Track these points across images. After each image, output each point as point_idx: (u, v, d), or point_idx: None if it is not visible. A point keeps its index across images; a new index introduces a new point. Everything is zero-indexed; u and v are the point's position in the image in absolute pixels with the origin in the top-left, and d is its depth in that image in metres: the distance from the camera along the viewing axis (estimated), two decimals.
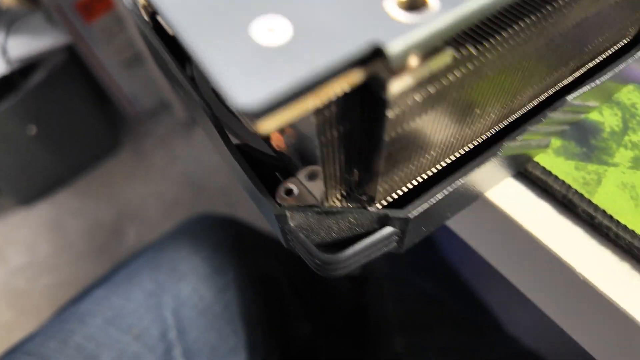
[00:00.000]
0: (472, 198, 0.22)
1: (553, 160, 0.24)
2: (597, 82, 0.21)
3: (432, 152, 0.18)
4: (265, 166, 0.21)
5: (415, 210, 0.18)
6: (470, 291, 0.56)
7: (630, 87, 0.27)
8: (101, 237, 1.10)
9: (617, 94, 0.27)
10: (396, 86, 0.12)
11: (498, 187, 0.24)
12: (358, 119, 0.15)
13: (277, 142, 0.18)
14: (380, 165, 0.16)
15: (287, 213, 0.18)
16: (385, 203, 0.19)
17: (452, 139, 0.18)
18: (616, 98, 0.27)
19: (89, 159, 1.17)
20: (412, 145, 0.16)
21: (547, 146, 0.24)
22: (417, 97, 0.14)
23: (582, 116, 0.25)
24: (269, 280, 0.50)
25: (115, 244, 1.08)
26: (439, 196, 0.18)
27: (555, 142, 0.25)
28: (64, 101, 1.04)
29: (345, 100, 0.14)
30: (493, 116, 0.19)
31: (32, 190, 1.13)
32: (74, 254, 1.08)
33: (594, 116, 0.26)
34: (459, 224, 0.27)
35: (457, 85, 0.15)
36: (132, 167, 1.19)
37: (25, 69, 0.97)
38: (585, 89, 0.21)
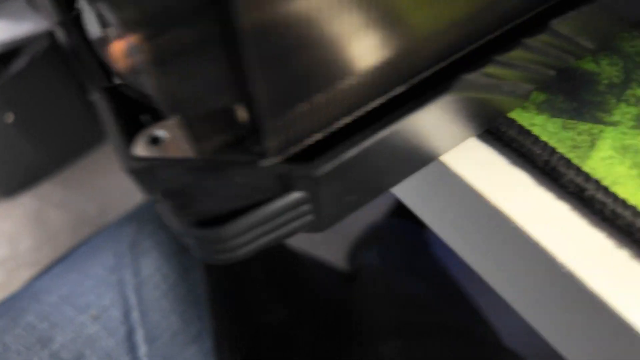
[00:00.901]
0: (420, 159, 0.17)
1: (534, 117, 0.19)
2: (589, 5, 0.16)
3: (349, 77, 0.12)
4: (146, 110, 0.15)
5: (326, 165, 0.13)
6: (467, 299, 0.53)
7: (635, 33, 0.22)
8: (84, 230, 1.07)
9: (618, 43, 0.21)
10: None
11: (459, 148, 0.18)
12: None
13: (120, 57, 0.13)
14: (253, 82, 0.11)
15: (147, 169, 0.13)
16: (286, 156, 0.13)
17: (378, 62, 0.13)
18: (617, 45, 0.21)
19: (73, 150, 1.15)
20: (304, 52, 0.11)
21: (525, 97, 0.18)
22: None
23: (573, 60, 0.19)
24: (242, 263, 0.46)
25: None
26: (362, 147, 0.13)
27: (539, 96, 0.19)
28: (46, 89, 1.01)
29: None
30: (442, 34, 0.14)
31: (13, 182, 1.11)
32: (56, 246, 1.05)
33: (587, 65, 0.21)
34: (410, 196, 0.22)
35: None
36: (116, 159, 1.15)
37: (5, 55, 0.94)
38: (574, 12, 0.15)
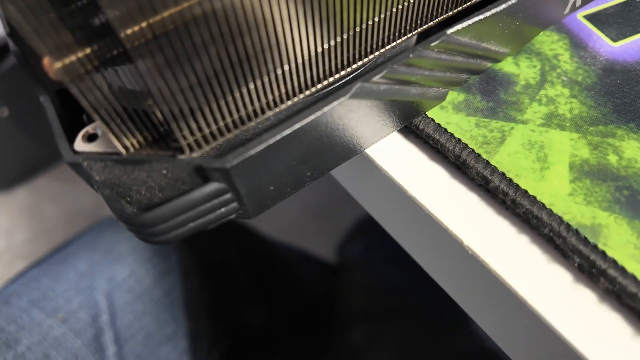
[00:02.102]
0: (340, 154, 0.18)
1: (451, 117, 0.21)
2: (485, 15, 0.17)
3: (247, 83, 0.14)
4: None
5: (236, 158, 0.15)
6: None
7: (555, 36, 0.23)
8: (79, 224, 1.08)
9: (539, 45, 0.23)
10: None
11: (383, 143, 0.20)
12: None
13: (50, 70, 0.15)
14: (155, 93, 0.12)
15: (83, 162, 0.15)
16: (204, 151, 0.15)
17: (276, 66, 0.15)
18: (537, 48, 0.23)
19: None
20: (197, 60, 0.13)
21: (441, 98, 0.20)
22: None
23: (488, 64, 0.21)
24: (221, 264, 0.47)
25: None
26: (269, 142, 0.15)
27: (458, 97, 0.21)
28: None
29: None
30: (339, 38, 0.15)
31: (9, 175, 1.12)
32: (52, 240, 1.06)
33: (508, 68, 0.22)
34: (348, 183, 0.24)
35: None
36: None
37: None
38: (470, 21, 0.17)
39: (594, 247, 0.17)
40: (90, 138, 0.16)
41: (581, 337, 0.16)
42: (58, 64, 0.13)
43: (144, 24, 0.11)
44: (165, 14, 0.11)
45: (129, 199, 0.16)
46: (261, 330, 0.48)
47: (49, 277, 0.42)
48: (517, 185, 0.19)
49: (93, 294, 0.42)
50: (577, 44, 0.23)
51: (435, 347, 0.45)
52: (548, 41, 0.23)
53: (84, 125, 0.17)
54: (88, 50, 0.13)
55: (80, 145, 0.15)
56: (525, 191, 0.19)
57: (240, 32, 0.12)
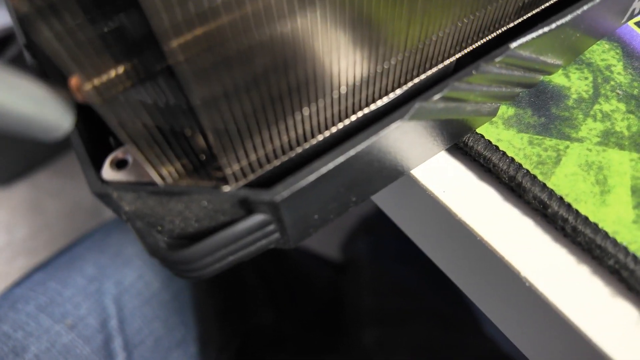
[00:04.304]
0: (387, 176, 0.17)
1: (501, 133, 0.19)
2: (551, 26, 0.16)
3: (298, 110, 0.13)
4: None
5: (286, 190, 0.13)
6: (454, 287, 0.53)
7: (606, 45, 0.22)
8: (80, 219, 1.07)
9: (590, 54, 0.22)
10: None
11: (429, 163, 0.19)
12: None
13: (77, 91, 0.13)
14: (207, 123, 0.11)
15: (113, 193, 0.13)
16: (248, 181, 0.14)
17: (327, 93, 0.13)
18: (587, 59, 0.21)
19: (69, 139, 1.14)
20: (249, 91, 0.11)
21: (493, 114, 0.19)
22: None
23: (541, 77, 0.20)
24: (233, 267, 0.46)
25: (93, 226, 1.05)
26: (320, 173, 0.13)
27: (507, 111, 0.20)
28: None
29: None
30: (395, 61, 0.14)
31: (10, 170, 1.11)
32: (52, 235, 1.06)
33: (558, 79, 0.21)
34: (387, 204, 0.22)
35: None
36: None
37: None
38: (534, 34, 0.16)
39: None
40: (120, 164, 0.14)
41: None
42: (88, 85, 0.11)
43: (196, 36, 0.10)
44: (226, 27, 0.10)
45: (160, 228, 0.15)
46: (269, 332, 0.47)
47: (55, 281, 0.41)
48: (577, 210, 0.17)
49: (101, 298, 0.41)
50: (630, 54, 0.22)
51: (449, 350, 0.45)
52: (599, 50, 0.22)
53: (107, 145, 0.16)
54: (123, 69, 0.12)
55: (108, 172, 0.14)
56: (586, 218, 0.17)
57: (304, 57, 0.11)
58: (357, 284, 0.50)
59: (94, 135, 0.16)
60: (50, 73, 0.16)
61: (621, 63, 0.21)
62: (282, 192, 0.13)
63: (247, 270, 0.48)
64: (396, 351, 0.44)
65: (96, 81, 0.12)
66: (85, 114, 0.16)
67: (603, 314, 0.16)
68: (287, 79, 0.11)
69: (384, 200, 0.22)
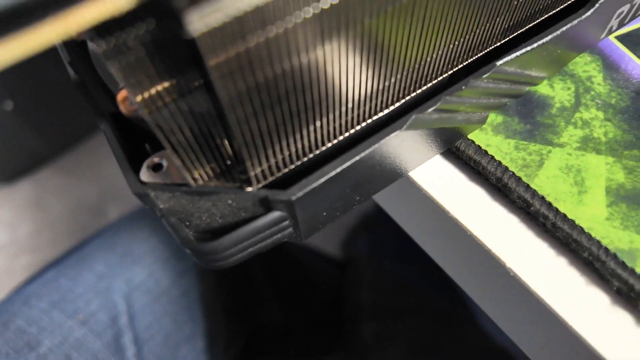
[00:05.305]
0: (387, 178, 0.19)
1: (490, 139, 0.21)
2: (533, 45, 0.18)
3: (314, 122, 0.15)
4: (150, 138, 0.18)
5: (300, 191, 0.15)
6: (451, 283, 0.55)
7: (588, 57, 0.24)
8: (83, 217, 1.08)
9: (573, 66, 0.24)
10: (199, 17, 0.09)
11: (425, 165, 0.21)
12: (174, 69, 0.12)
13: (123, 104, 0.15)
14: (236, 136, 0.13)
15: (151, 192, 0.15)
16: (267, 182, 0.16)
17: (339, 107, 0.15)
18: (571, 70, 0.24)
19: (72, 137, 1.15)
20: (275, 106, 0.13)
21: (482, 122, 0.21)
22: (254, 34, 0.11)
23: (526, 88, 0.22)
24: (240, 264, 0.48)
25: (97, 224, 1.06)
26: (330, 175, 0.16)
27: (496, 118, 0.22)
28: (45, 76, 1.01)
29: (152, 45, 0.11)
30: (395, 79, 0.16)
31: (13, 168, 1.11)
32: (55, 233, 1.07)
33: (544, 89, 0.23)
34: (387, 204, 0.24)
35: (322, 21, 0.12)
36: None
37: None
38: (517, 53, 0.18)
39: (632, 271, 0.18)
40: (155, 168, 0.16)
41: (619, 359, 0.17)
42: (138, 97, 0.13)
43: (235, 54, 0.11)
44: (260, 60, 0.12)
45: (187, 223, 0.17)
46: (275, 328, 0.48)
47: (67, 278, 0.43)
48: (557, 209, 0.20)
49: (111, 296, 0.42)
50: (610, 66, 0.24)
51: (445, 344, 0.46)
52: (581, 62, 0.24)
53: (141, 150, 0.18)
54: (167, 85, 0.13)
55: (145, 175, 0.16)
56: (565, 215, 0.19)
57: (321, 79, 0.13)
58: (357, 280, 0.52)
59: (128, 143, 0.18)
60: (91, 88, 0.18)
61: (601, 74, 0.23)
62: (297, 192, 0.15)
63: (254, 267, 0.49)
64: (393, 344, 0.45)
65: (146, 93, 0.13)
66: (120, 124, 0.18)
67: (579, 300, 0.18)
68: (305, 97, 0.13)
69: (385, 199, 0.24)
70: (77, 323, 0.40)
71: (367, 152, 0.16)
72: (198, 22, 0.09)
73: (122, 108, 0.15)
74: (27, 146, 1.09)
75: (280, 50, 0.11)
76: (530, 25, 0.19)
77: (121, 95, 0.15)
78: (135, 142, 0.18)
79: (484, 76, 0.17)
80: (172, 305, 0.43)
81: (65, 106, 1.09)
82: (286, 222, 0.17)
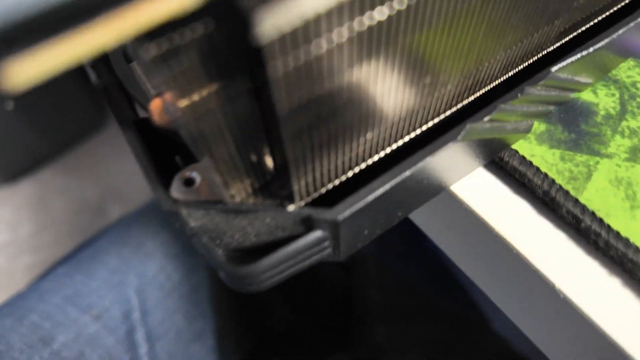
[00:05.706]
0: (430, 192, 0.18)
1: (534, 148, 0.20)
2: (589, 50, 0.17)
3: (365, 134, 0.14)
4: (179, 150, 0.17)
5: (346, 210, 0.14)
6: (460, 285, 0.54)
7: (631, 62, 0.23)
8: (85, 217, 1.07)
9: (616, 71, 0.22)
10: (271, 22, 0.08)
11: (466, 178, 0.20)
12: (227, 79, 0.11)
13: (158, 113, 0.14)
14: (287, 151, 0.12)
15: (183, 210, 0.14)
16: (310, 199, 0.15)
17: (392, 117, 0.14)
18: (614, 75, 0.22)
19: (74, 136, 1.14)
20: (330, 120, 0.12)
21: (528, 131, 0.20)
22: (318, 41, 0.09)
23: (572, 95, 0.20)
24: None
25: (99, 224, 1.05)
26: (378, 193, 0.14)
27: (539, 127, 0.21)
28: None
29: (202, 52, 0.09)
30: (450, 87, 0.15)
31: (14, 168, 1.11)
32: (57, 233, 1.06)
33: (586, 96, 0.22)
34: (421, 219, 0.23)
35: (383, 32, 0.11)
36: (118, 144, 1.15)
37: None
38: (573, 58, 0.17)
39: None
40: (187, 182, 0.15)
41: None
42: (183, 103, 0.12)
43: (299, 63, 0.10)
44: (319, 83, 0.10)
45: (218, 242, 0.16)
46: (285, 327, 0.48)
47: (81, 273, 0.42)
48: (609, 225, 0.18)
49: (125, 290, 0.41)
50: None
51: (459, 347, 0.45)
52: (624, 67, 0.23)
53: (166, 163, 0.16)
54: (209, 91, 0.12)
55: (177, 190, 0.15)
56: (618, 232, 0.18)
57: (376, 93, 0.12)
58: (364, 281, 0.51)
59: (157, 155, 0.16)
60: (113, 93, 0.16)
61: None
62: (343, 211, 0.14)
63: None
64: (406, 348, 0.45)
65: (191, 101, 0.12)
66: (147, 135, 0.17)
67: (636, 323, 0.17)
68: (362, 109, 0.12)
69: (419, 214, 0.23)
70: (91, 318, 0.39)
71: (419, 165, 0.15)
72: (268, 25, 0.08)
73: (156, 117, 0.14)
74: (28, 146, 1.09)
75: (343, 59, 0.10)
76: (584, 28, 0.18)
77: (155, 103, 0.14)
78: (159, 153, 0.16)
79: (540, 82, 0.16)
80: (183, 301, 0.42)
81: (67, 106, 1.08)
82: (326, 243, 0.16)
